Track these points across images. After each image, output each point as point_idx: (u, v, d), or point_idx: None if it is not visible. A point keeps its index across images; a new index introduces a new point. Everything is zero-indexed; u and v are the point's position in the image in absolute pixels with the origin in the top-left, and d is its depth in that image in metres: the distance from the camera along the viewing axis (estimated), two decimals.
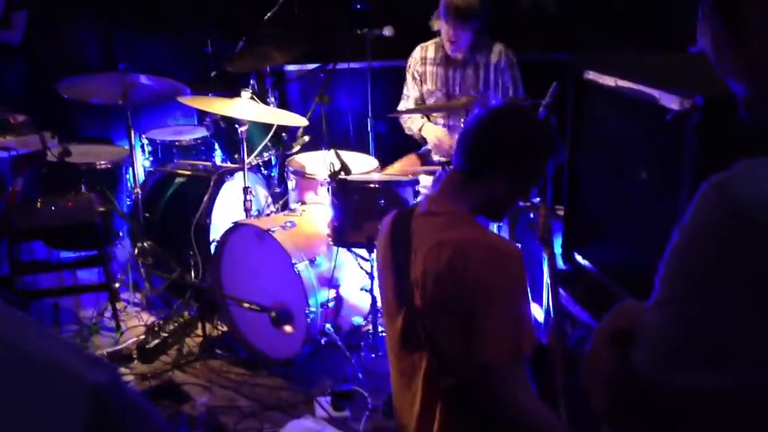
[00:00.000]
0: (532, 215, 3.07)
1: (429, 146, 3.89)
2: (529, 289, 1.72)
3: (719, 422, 0.99)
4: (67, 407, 0.85)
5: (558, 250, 2.52)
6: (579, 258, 2.55)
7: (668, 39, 4.61)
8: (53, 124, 3.52)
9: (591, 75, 2.36)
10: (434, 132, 3.81)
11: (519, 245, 3.21)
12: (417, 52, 3.87)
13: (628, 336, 1.05)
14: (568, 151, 2.55)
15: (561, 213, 2.69)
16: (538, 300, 2.87)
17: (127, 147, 4.02)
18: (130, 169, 4.00)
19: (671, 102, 1.93)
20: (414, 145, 4.05)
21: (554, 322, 2.21)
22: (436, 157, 3.90)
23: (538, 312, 2.88)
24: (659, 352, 0.99)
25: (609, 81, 2.25)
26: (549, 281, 2.31)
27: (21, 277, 3.73)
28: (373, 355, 3.33)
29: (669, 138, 1.96)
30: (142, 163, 4.33)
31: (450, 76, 3.77)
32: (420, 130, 3.86)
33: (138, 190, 3.88)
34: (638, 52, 4.10)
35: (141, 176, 4.10)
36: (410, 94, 3.93)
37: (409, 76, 3.92)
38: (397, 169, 3.85)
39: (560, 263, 2.54)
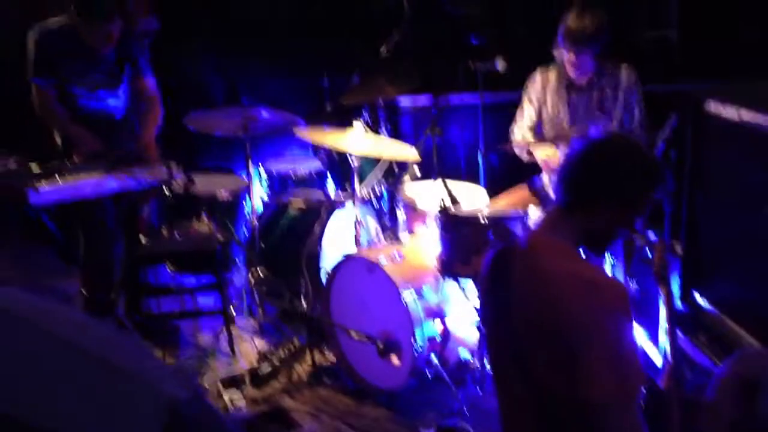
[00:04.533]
0: (647, 251, 2.95)
1: (538, 162, 3.70)
2: (638, 327, 1.65)
3: None
4: (144, 415, 0.91)
5: (675, 289, 2.41)
6: (698, 298, 2.42)
7: None
8: (177, 155, 3.73)
9: (712, 106, 2.26)
10: (544, 151, 3.65)
11: (634, 282, 3.08)
12: (537, 76, 3.73)
13: (754, 385, 1.00)
14: (688, 186, 2.44)
15: (679, 250, 2.56)
16: (654, 341, 2.74)
17: (245, 178, 4.19)
18: (248, 199, 4.17)
19: None
20: (524, 176, 3.98)
21: (671, 366, 2.10)
22: (552, 193, 3.79)
23: (654, 354, 2.74)
24: None
25: (731, 112, 2.15)
26: (666, 322, 2.20)
27: (146, 300, 3.94)
28: (480, 391, 3.27)
29: None
30: (260, 194, 4.50)
31: (573, 101, 3.62)
32: (529, 146, 3.70)
33: (255, 220, 4.03)
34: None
35: (258, 206, 4.26)
36: (524, 117, 3.77)
37: (525, 99, 3.77)
38: (505, 201, 3.78)
39: (678, 304, 2.42)
